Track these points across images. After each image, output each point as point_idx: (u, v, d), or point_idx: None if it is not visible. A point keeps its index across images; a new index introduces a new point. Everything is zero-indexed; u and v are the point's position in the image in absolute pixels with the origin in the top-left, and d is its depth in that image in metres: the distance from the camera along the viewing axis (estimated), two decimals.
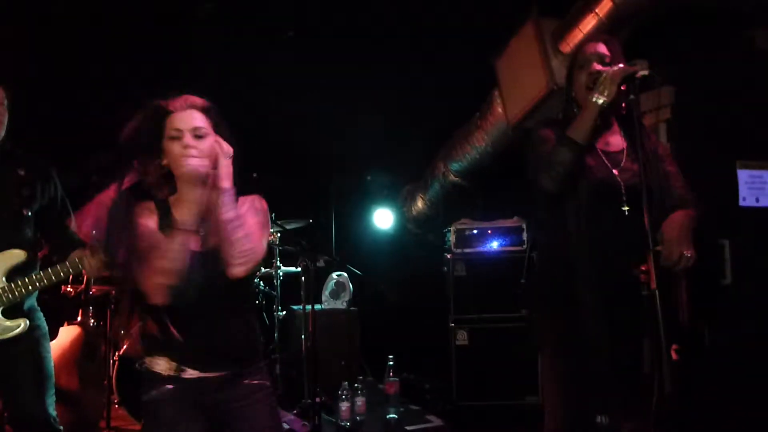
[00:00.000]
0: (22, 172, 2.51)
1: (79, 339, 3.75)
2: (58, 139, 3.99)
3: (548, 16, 3.61)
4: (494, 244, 4.62)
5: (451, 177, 5.14)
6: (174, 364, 1.86)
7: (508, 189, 4.62)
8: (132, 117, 1.85)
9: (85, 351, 3.75)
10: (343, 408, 3.68)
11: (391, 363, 3.93)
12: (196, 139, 1.83)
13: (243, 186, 1.91)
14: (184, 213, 1.85)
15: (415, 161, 5.67)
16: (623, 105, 2.16)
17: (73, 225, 2.59)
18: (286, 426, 3.69)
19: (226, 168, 1.83)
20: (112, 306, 4.00)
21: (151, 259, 1.77)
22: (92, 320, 3.91)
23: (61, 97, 4.24)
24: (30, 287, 2.37)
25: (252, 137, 2.16)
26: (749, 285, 3.07)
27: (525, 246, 4.51)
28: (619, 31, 3.01)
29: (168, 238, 1.80)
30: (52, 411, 2.46)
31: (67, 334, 3.76)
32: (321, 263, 4.42)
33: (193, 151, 1.81)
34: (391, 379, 3.88)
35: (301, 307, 4.40)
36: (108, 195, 1.83)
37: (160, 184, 1.88)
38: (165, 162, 1.86)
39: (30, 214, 2.50)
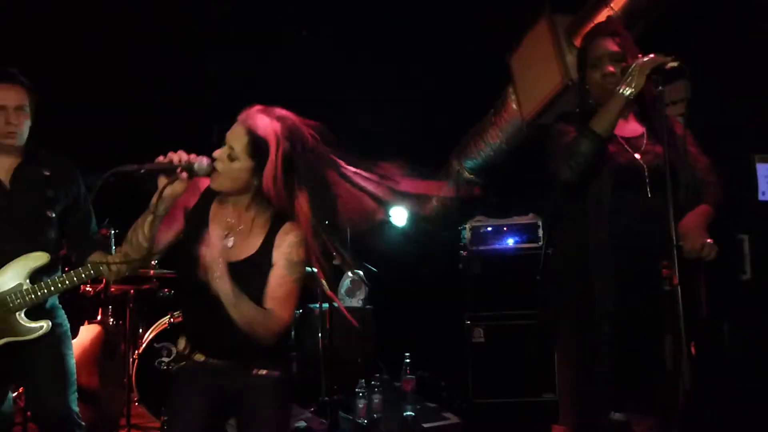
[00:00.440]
0: (47, 173, 2.48)
1: (99, 338, 3.79)
2: (79, 140, 4.04)
3: (562, 11, 3.61)
4: (510, 241, 4.61)
5: (466, 174, 5.14)
6: (189, 345, 2.03)
7: (523, 186, 4.61)
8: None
9: (105, 350, 3.78)
10: (360, 406, 3.69)
11: (408, 361, 3.94)
12: None
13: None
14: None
15: (429, 159, 5.65)
16: (647, 96, 2.10)
17: (94, 226, 2.61)
18: (303, 424, 3.71)
19: None
20: (131, 305, 4.03)
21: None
22: (112, 319, 3.96)
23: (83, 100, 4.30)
24: (53, 289, 2.36)
25: None
26: None
27: (541, 243, 4.49)
28: (634, 26, 2.99)
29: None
30: (75, 407, 2.47)
31: (88, 332, 3.80)
32: (336, 261, 4.42)
33: None
34: (408, 376, 3.88)
35: (317, 305, 4.42)
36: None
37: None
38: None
39: (54, 215, 2.47)
